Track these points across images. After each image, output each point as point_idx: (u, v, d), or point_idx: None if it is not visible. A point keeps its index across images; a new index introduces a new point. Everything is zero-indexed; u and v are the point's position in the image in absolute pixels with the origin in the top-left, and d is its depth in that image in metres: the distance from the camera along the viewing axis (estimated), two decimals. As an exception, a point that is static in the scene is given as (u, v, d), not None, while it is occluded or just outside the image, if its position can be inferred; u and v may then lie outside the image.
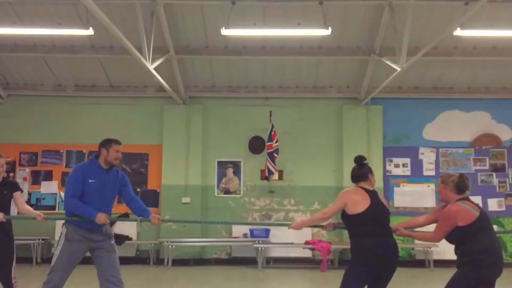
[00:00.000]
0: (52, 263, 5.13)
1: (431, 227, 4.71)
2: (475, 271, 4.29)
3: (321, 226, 5.24)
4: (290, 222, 5.43)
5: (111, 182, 5.29)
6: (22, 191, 5.88)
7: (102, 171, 5.23)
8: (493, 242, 4.41)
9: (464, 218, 4.32)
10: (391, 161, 12.21)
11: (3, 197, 5.50)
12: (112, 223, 5.36)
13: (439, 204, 4.80)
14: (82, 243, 5.16)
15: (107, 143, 5.26)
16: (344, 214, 4.63)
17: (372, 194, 4.63)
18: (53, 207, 11.97)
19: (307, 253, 11.58)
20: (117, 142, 5.27)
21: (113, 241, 5.36)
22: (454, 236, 4.40)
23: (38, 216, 5.58)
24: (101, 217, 5.03)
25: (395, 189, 12.04)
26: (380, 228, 4.53)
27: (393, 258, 4.57)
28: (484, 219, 4.41)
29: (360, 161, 4.76)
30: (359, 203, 4.52)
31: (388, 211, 4.72)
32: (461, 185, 4.50)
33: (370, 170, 4.76)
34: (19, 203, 5.70)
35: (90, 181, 5.13)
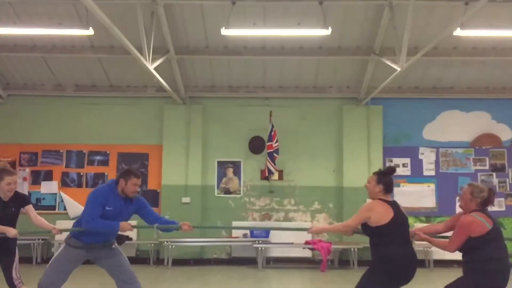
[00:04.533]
0: (49, 263, 5.26)
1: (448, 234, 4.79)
2: (484, 277, 4.40)
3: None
4: (307, 227, 5.57)
5: (126, 209, 5.35)
6: (32, 204, 5.85)
7: (119, 198, 5.27)
8: (500, 251, 4.50)
9: (477, 229, 4.43)
10: (391, 161, 12.20)
11: (10, 213, 5.50)
12: (122, 241, 5.46)
13: (458, 212, 4.88)
14: (82, 250, 5.24)
15: (127, 175, 5.27)
16: (366, 225, 4.67)
17: (394, 204, 4.69)
18: (53, 207, 11.97)
19: (307, 253, 11.57)
20: (137, 176, 5.29)
21: (114, 245, 5.40)
22: (466, 245, 4.50)
23: (53, 230, 5.63)
24: (124, 226, 5.17)
25: (395, 189, 12.01)
26: (403, 237, 4.63)
27: (415, 267, 4.63)
28: (496, 231, 4.53)
29: (393, 171, 4.84)
30: (384, 216, 4.57)
31: (407, 219, 4.78)
32: (487, 202, 4.62)
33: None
34: (32, 217, 5.69)
35: (107, 208, 5.19)
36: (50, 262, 5.29)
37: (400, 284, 4.62)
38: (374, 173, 4.84)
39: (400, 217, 4.64)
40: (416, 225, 11.77)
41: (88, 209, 5.19)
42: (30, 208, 5.65)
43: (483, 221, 4.46)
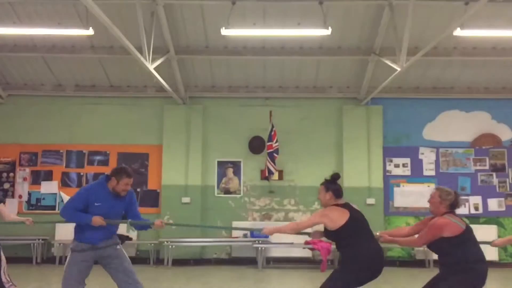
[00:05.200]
0: (63, 276, 5.27)
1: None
2: (473, 279, 4.53)
3: (308, 234, 5.46)
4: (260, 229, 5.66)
5: (117, 206, 5.39)
6: (4, 203, 5.98)
7: (109, 195, 5.31)
8: (482, 253, 4.69)
9: (450, 230, 4.59)
10: (391, 161, 12.20)
11: None
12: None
13: (427, 217, 5.02)
14: (88, 251, 5.27)
15: (119, 174, 5.30)
16: (327, 231, 4.89)
17: (347, 206, 4.92)
18: (53, 207, 11.96)
19: (307, 253, 11.57)
20: (129, 176, 5.31)
21: (119, 246, 5.44)
22: (440, 246, 4.66)
23: (27, 221, 5.75)
24: (96, 220, 5.15)
25: (395, 189, 12.04)
26: (367, 233, 4.84)
27: (383, 261, 4.83)
28: (470, 231, 4.71)
29: (338, 178, 5.10)
30: (339, 219, 4.78)
31: (364, 217, 4.97)
32: (455, 204, 4.79)
33: None
34: (5, 215, 5.87)
35: (96, 204, 5.23)
36: (63, 274, 5.29)
37: (368, 281, 4.79)
38: (321, 184, 5.13)
39: (356, 215, 4.86)
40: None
41: (70, 200, 5.35)
42: (1, 206, 5.73)
43: (457, 222, 4.65)
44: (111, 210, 5.31)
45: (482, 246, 4.78)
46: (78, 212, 5.20)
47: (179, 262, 11.38)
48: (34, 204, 12.04)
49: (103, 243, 5.31)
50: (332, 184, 5.06)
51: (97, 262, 5.38)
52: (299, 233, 5.30)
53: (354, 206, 5.01)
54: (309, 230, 5.21)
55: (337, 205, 4.93)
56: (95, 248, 5.27)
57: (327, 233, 4.92)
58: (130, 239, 11.47)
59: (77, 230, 5.34)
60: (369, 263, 4.71)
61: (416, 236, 4.94)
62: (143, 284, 5.42)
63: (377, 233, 5.16)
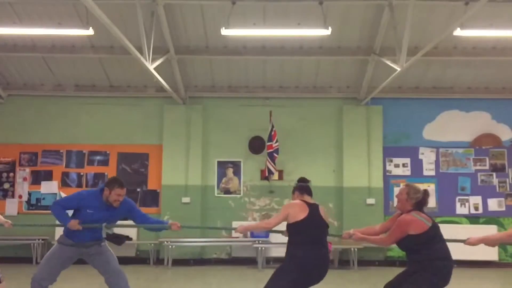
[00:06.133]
0: (43, 259, 5.59)
1: None
2: (438, 276, 4.58)
3: (281, 232, 5.48)
4: (235, 227, 5.76)
5: (110, 216, 5.54)
6: None
7: (103, 205, 5.47)
8: (448, 251, 4.74)
9: (416, 227, 4.63)
10: (391, 161, 12.20)
11: None
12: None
13: (395, 213, 5.09)
14: (73, 247, 5.50)
15: (111, 184, 5.46)
16: (287, 224, 5.01)
17: (312, 206, 5.03)
18: (53, 207, 11.96)
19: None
20: (121, 186, 5.45)
21: (103, 243, 5.66)
22: (407, 243, 4.71)
23: (6, 223, 6.00)
24: (72, 224, 5.36)
25: (395, 189, 12.01)
26: (313, 238, 4.89)
27: (322, 267, 4.90)
28: (436, 228, 4.74)
29: (305, 180, 5.30)
30: (299, 214, 4.91)
31: (326, 224, 5.08)
32: (422, 203, 4.83)
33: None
34: None
35: (88, 211, 5.42)
36: (43, 258, 5.59)
37: (308, 284, 4.88)
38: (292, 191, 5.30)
39: (314, 218, 4.96)
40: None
41: (64, 198, 5.69)
42: None
43: (422, 219, 4.68)
44: (102, 219, 5.49)
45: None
46: (64, 211, 5.44)
47: (179, 262, 11.38)
48: (34, 204, 12.04)
49: (90, 243, 5.53)
50: (298, 185, 5.27)
51: (82, 258, 5.62)
52: (272, 231, 5.44)
53: (322, 210, 5.11)
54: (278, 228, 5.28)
55: (303, 201, 5.07)
56: (80, 246, 5.49)
57: (287, 225, 5.03)
58: (130, 239, 11.46)
59: (68, 228, 5.52)
60: (306, 267, 4.78)
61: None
62: (127, 278, 5.59)
63: (351, 231, 5.28)
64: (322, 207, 5.21)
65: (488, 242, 4.80)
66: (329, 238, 5.20)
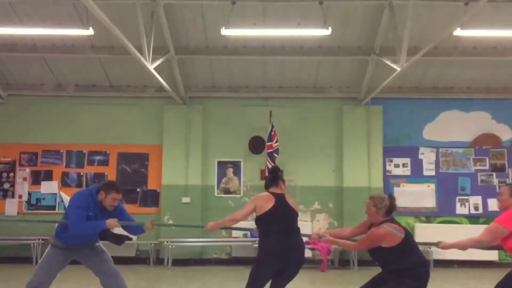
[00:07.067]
0: (37, 264, 5.49)
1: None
2: (420, 282, 4.62)
3: (251, 230, 5.73)
4: (203, 225, 5.77)
5: (106, 216, 5.44)
6: None
7: (97, 206, 5.40)
8: (423, 256, 4.81)
9: (390, 240, 4.65)
10: (391, 161, 12.20)
11: None
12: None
13: (366, 220, 5.09)
14: (67, 250, 5.43)
15: (107, 188, 5.38)
16: (256, 218, 5.08)
17: (278, 196, 5.09)
18: (53, 207, 11.96)
19: (307, 253, 11.49)
20: (117, 191, 5.40)
21: (97, 243, 5.60)
22: (382, 255, 4.73)
23: None
24: (111, 223, 5.27)
25: (395, 189, 12.02)
26: (283, 227, 4.95)
27: (293, 250, 4.95)
28: (409, 237, 4.78)
29: (275, 171, 5.33)
30: (265, 206, 4.98)
31: (295, 212, 5.14)
32: (391, 209, 4.85)
33: (281, 179, 5.31)
34: None
35: (89, 214, 5.32)
36: (38, 263, 5.51)
37: (285, 269, 4.95)
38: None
39: (281, 207, 5.02)
40: (417, 226, 11.83)
41: (73, 212, 5.27)
42: None
43: (395, 232, 4.68)
44: (99, 219, 5.41)
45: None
46: (88, 222, 5.25)
47: (179, 262, 11.38)
48: (34, 204, 12.04)
49: (81, 246, 5.47)
50: (268, 175, 5.39)
51: (76, 259, 5.56)
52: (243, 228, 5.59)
53: (290, 199, 5.18)
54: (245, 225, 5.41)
55: (271, 192, 5.14)
56: (73, 249, 5.44)
57: (255, 218, 5.11)
58: (130, 239, 11.40)
59: (60, 230, 5.47)
60: (273, 254, 4.85)
61: (357, 239, 5.04)
62: (123, 278, 5.56)
63: (320, 231, 5.31)
64: (290, 197, 5.28)
65: (459, 246, 4.90)
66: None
